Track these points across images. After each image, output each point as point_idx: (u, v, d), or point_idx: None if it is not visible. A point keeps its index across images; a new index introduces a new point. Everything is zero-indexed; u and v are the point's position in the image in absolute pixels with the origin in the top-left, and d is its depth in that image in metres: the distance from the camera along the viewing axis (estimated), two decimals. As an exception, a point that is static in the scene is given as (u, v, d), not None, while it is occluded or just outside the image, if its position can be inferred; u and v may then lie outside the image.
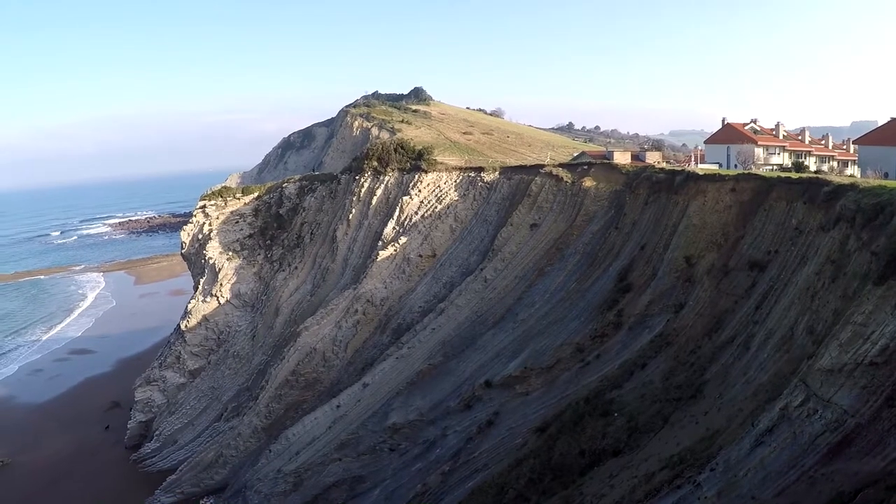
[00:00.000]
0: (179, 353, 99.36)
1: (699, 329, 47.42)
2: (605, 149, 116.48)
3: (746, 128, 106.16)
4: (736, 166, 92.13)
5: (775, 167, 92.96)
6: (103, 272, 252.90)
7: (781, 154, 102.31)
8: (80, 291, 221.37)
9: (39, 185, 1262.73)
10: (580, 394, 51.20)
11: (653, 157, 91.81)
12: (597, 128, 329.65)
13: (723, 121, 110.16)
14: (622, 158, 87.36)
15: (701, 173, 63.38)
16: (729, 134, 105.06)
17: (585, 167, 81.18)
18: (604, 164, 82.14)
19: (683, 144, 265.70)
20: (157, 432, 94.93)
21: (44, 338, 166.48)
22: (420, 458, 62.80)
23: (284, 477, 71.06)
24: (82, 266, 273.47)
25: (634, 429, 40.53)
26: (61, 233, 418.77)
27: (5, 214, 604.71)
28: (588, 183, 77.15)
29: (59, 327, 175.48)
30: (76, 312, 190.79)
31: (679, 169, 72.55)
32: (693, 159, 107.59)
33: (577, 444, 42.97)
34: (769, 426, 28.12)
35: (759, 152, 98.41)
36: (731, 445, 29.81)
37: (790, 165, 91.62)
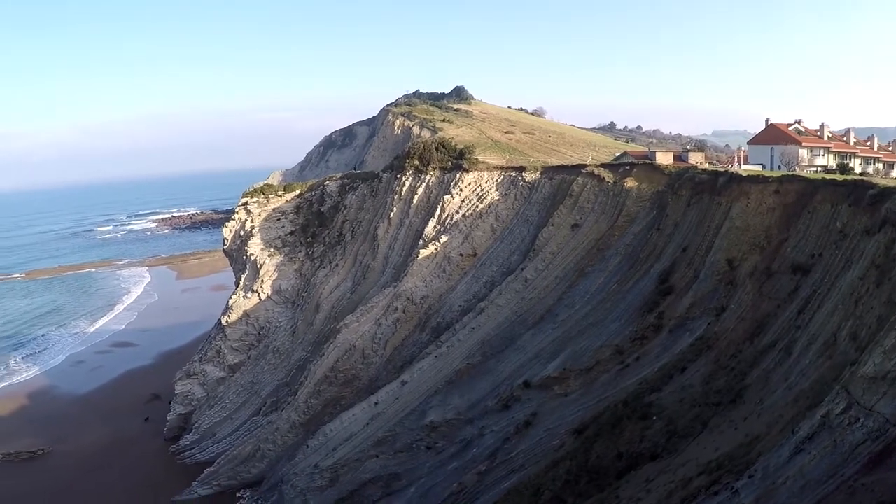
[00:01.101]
0: (220, 347, 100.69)
1: (740, 333, 46.88)
2: (647, 149, 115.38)
3: (790, 128, 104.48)
4: (779, 167, 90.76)
5: (819, 169, 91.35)
6: (146, 267, 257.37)
7: (826, 155, 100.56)
8: (123, 286, 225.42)
9: (87, 182, 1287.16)
10: (619, 396, 50.89)
11: (695, 158, 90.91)
12: (639, 127, 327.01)
13: (766, 121, 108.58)
14: (664, 159, 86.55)
15: (744, 174, 62.68)
16: (772, 134, 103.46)
17: (627, 167, 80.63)
18: (646, 164, 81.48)
19: (726, 145, 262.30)
20: (196, 425, 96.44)
21: (87, 330, 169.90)
22: (456, 457, 62.89)
23: (321, 472, 71.61)
24: (126, 261, 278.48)
25: (673, 433, 40.19)
26: (106, 228, 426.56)
27: (52, 210, 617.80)
28: (630, 183, 76.61)
29: (101, 320, 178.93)
30: (119, 306, 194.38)
31: (722, 170, 71.77)
32: (736, 160, 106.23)
33: (614, 447, 42.72)
34: (809, 434, 27.70)
35: (804, 153, 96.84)
36: (771, 452, 29.42)
37: (835, 167, 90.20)
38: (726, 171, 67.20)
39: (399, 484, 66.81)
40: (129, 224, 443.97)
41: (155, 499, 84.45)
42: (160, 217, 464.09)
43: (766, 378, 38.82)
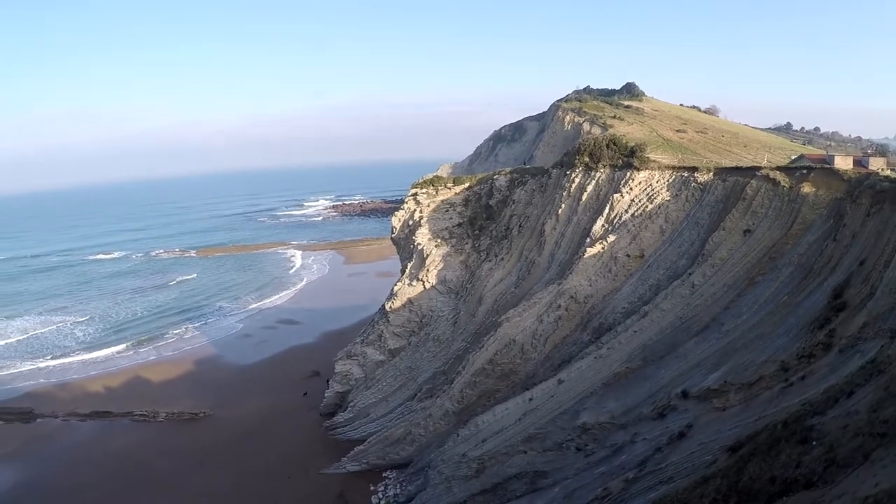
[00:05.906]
0: (382, 331, 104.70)
1: (914, 360, 43.93)
2: (824, 152, 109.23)
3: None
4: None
5: None
6: (315, 250, 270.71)
7: None
8: (292, 267, 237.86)
9: (262, 168, 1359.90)
10: (779, 416, 48.79)
11: (877, 164, 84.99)
12: (816, 129, 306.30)
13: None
14: (843, 164, 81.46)
15: (929, 183, 58.47)
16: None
17: (804, 171, 76.71)
18: (823, 169, 77.09)
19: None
20: (352, 404, 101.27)
21: (255, 306, 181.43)
22: (605, 462, 62.50)
23: (468, 462, 73.12)
24: (297, 243, 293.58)
25: (832, 461, 38.21)
26: (280, 212, 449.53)
27: (228, 194, 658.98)
28: (806, 189, 72.79)
29: (270, 298, 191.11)
30: (287, 286, 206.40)
31: (905, 177, 66.99)
32: None
33: (768, 470, 41.07)
34: (977, 479, 25.96)
35: None
36: (933, 495, 27.71)
37: None
38: (910, 180, 62.68)
39: (544, 482, 67.27)
40: (302, 209, 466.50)
41: (305, 469, 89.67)
42: (332, 204, 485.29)
43: (937, 412, 36.35)
